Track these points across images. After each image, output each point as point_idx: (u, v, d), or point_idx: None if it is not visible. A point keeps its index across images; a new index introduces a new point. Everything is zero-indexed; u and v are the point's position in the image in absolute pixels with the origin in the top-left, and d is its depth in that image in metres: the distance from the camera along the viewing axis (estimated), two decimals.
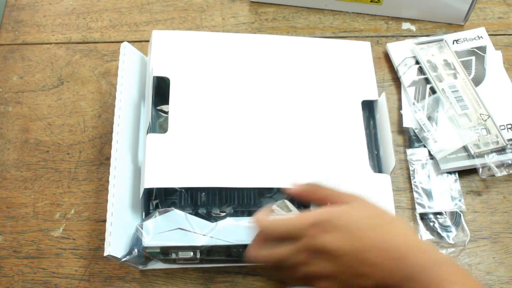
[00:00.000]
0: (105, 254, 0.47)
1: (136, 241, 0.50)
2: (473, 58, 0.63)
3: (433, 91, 0.61)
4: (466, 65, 0.63)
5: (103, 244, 0.48)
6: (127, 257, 0.49)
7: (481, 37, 0.65)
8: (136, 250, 0.49)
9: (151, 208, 0.53)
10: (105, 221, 0.49)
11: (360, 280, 0.38)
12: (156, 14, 0.69)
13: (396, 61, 0.64)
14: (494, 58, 0.63)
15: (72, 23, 0.69)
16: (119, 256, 0.48)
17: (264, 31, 0.68)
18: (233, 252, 0.50)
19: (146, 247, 0.49)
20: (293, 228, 0.40)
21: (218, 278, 0.54)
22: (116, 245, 0.48)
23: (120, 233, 0.49)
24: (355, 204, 0.40)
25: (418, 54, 0.63)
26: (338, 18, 0.68)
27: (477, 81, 0.62)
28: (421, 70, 0.63)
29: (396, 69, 0.63)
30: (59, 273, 0.55)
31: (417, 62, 0.63)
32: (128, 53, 0.58)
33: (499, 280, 0.53)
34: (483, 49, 0.64)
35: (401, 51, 0.64)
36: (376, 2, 0.67)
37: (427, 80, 0.62)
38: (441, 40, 0.64)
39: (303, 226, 0.39)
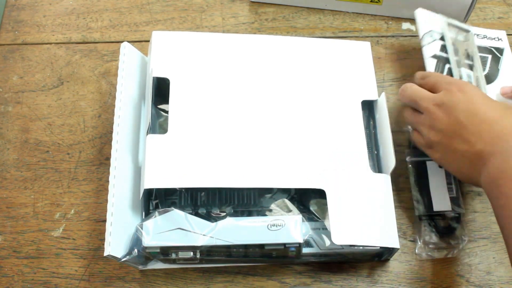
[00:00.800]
0: (105, 254, 0.47)
1: (136, 241, 0.50)
2: (490, 56, 0.64)
3: (450, 73, 0.61)
4: (482, 62, 0.63)
5: (103, 244, 0.48)
6: (127, 257, 0.49)
7: (500, 39, 0.65)
8: (136, 250, 0.49)
9: (151, 208, 0.53)
10: (105, 221, 0.49)
11: (462, 135, 0.49)
12: (156, 14, 0.69)
13: (422, 29, 0.63)
14: (509, 62, 0.64)
15: (72, 23, 0.69)
16: (119, 256, 0.48)
17: (264, 31, 0.68)
18: (233, 252, 0.50)
19: (146, 247, 0.49)
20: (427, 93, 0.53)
21: (218, 278, 0.54)
22: (116, 245, 0.48)
23: (120, 233, 0.49)
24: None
25: (446, 33, 0.62)
26: (338, 18, 0.68)
27: (488, 79, 0.62)
28: (444, 49, 0.62)
29: (420, 37, 0.62)
30: (59, 273, 0.55)
31: (442, 39, 0.63)
32: (128, 53, 0.58)
33: (499, 280, 0.53)
34: (500, 50, 0.64)
35: (428, 22, 0.63)
36: (376, 2, 0.67)
37: (447, 60, 0.61)
38: (468, 31, 0.64)
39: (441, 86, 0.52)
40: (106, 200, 0.50)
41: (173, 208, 0.51)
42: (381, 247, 0.50)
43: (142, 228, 0.49)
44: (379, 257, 0.52)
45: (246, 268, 0.55)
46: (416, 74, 0.57)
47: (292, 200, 0.53)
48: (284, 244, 0.48)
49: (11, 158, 0.61)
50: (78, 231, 0.57)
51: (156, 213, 0.50)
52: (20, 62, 0.67)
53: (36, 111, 0.64)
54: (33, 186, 0.59)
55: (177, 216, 0.50)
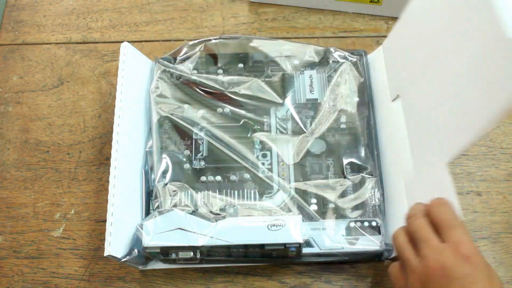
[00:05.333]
0: (105, 254, 0.47)
1: (136, 241, 0.50)
2: None
3: None
4: None
5: (103, 244, 0.48)
6: (127, 257, 0.49)
7: None
8: (136, 250, 0.49)
9: (151, 208, 0.53)
10: (105, 221, 0.49)
11: None
12: (156, 14, 0.69)
13: None
14: None
15: (72, 23, 0.69)
16: (119, 256, 0.48)
17: (264, 31, 0.68)
18: (233, 252, 0.50)
19: (146, 247, 0.49)
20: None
21: (218, 278, 0.54)
22: (116, 245, 0.48)
23: (120, 233, 0.49)
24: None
25: None
26: (338, 18, 0.68)
27: None
28: None
29: None
30: (59, 273, 0.55)
31: None
32: (128, 53, 0.58)
33: None
34: None
35: None
36: (376, 2, 0.67)
37: None
38: None
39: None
40: (106, 200, 0.50)
41: (173, 208, 0.51)
42: (380, 247, 0.51)
43: (142, 228, 0.49)
44: (379, 257, 0.52)
45: (246, 268, 0.55)
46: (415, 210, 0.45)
47: (292, 200, 0.54)
48: (284, 244, 0.48)
49: (11, 158, 0.61)
50: (78, 231, 0.57)
51: (156, 213, 0.50)
52: (20, 62, 0.67)
53: (36, 111, 0.63)
54: (33, 186, 0.59)
55: (177, 216, 0.50)
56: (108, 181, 0.51)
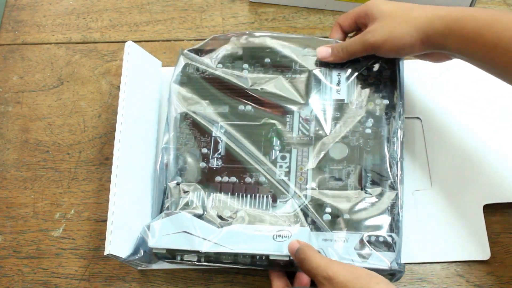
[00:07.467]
0: (106, 253, 0.47)
1: (142, 241, 0.49)
2: None
3: None
4: None
5: (103, 244, 0.48)
6: (132, 257, 0.49)
7: None
8: (142, 250, 0.49)
9: (164, 207, 0.52)
10: (105, 221, 0.49)
11: None
12: (156, 14, 0.69)
13: None
14: None
15: (72, 23, 0.69)
16: (120, 255, 0.48)
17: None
18: (239, 259, 0.49)
19: (152, 249, 0.49)
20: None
21: (218, 278, 0.54)
22: (116, 244, 0.48)
23: (120, 233, 0.49)
24: None
25: None
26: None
27: None
28: None
29: None
30: (59, 273, 0.55)
31: None
32: (132, 52, 0.57)
33: (499, 280, 0.53)
34: None
35: None
36: None
37: None
38: None
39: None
40: (106, 200, 0.50)
41: (180, 211, 0.50)
42: (391, 267, 0.47)
43: (148, 229, 0.49)
44: (392, 276, 0.48)
45: (246, 268, 0.54)
46: None
47: (305, 208, 0.51)
48: (289, 256, 0.47)
49: (11, 158, 0.61)
50: (78, 231, 0.57)
51: (164, 214, 0.50)
52: (20, 62, 0.67)
53: (36, 111, 0.63)
54: (33, 186, 0.59)
55: (184, 219, 0.50)
56: (108, 181, 0.51)
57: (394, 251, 0.48)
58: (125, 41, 0.58)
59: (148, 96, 0.59)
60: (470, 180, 0.56)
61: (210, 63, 0.58)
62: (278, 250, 0.47)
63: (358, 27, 0.56)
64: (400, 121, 0.53)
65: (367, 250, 0.48)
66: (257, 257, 0.48)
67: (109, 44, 0.67)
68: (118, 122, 0.53)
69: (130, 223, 0.51)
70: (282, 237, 0.48)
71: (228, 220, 0.50)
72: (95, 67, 0.66)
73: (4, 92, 0.65)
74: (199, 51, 0.59)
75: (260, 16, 0.68)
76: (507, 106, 0.59)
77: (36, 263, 0.56)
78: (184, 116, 0.56)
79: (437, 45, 0.48)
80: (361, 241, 0.48)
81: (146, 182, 0.55)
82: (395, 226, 0.49)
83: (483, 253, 0.54)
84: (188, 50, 0.59)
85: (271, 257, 0.48)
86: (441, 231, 0.54)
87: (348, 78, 0.56)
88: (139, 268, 0.54)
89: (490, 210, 0.57)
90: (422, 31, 0.48)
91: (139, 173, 0.54)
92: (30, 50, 0.67)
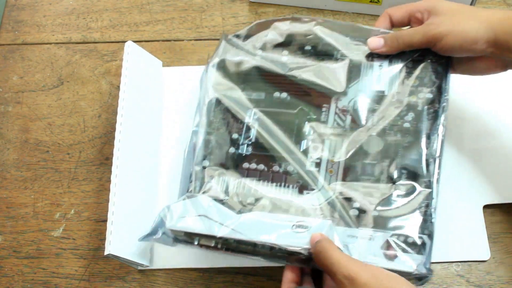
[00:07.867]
0: (106, 253, 0.47)
1: (161, 222, 0.48)
2: None
3: None
4: None
5: (103, 244, 0.48)
6: (150, 237, 0.48)
7: None
8: (160, 232, 0.48)
9: (189, 190, 0.51)
10: (105, 221, 0.49)
11: None
12: (156, 14, 0.69)
13: None
14: None
15: (72, 23, 0.69)
16: (120, 255, 0.48)
17: None
18: (258, 249, 0.47)
19: (171, 230, 0.47)
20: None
21: (218, 278, 0.54)
22: (116, 244, 0.48)
23: (120, 233, 0.49)
24: None
25: None
26: (338, 18, 0.68)
27: None
28: None
29: None
30: (59, 273, 0.55)
31: None
32: (132, 52, 0.57)
33: (499, 280, 0.53)
34: None
35: None
36: (376, 2, 0.67)
37: None
38: None
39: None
40: (106, 200, 0.50)
41: (202, 194, 0.49)
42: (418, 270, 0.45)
43: (168, 210, 0.48)
44: (419, 280, 0.45)
45: (246, 268, 0.55)
46: None
47: (332, 203, 0.48)
48: (307, 249, 0.45)
49: (11, 158, 0.61)
50: (78, 231, 0.57)
51: (185, 196, 0.49)
52: (20, 62, 0.67)
53: (36, 111, 0.63)
54: (33, 186, 0.59)
55: (204, 202, 0.48)
56: (108, 181, 0.51)
57: (423, 254, 0.45)
58: (125, 41, 0.58)
59: (148, 96, 0.59)
60: (470, 180, 0.56)
61: (251, 49, 0.56)
62: (295, 241, 0.45)
63: (408, 22, 0.53)
64: (443, 117, 0.50)
65: (394, 250, 0.45)
66: (277, 247, 0.46)
67: (109, 44, 0.67)
68: (118, 122, 0.53)
69: (130, 223, 0.51)
70: (302, 228, 0.46)
71: (248, 207, 0.49)
72: (95, 67, 0.66)
73: (4, 92, 0.65)
74: (242, 37, 0.58)
75: (260, 16, 0.68)
76: (507, 106, 0.60)
77: (36, 263, 0.56)
78: (218, 101, 0.54)
79: (504, 46, 0.47)
80: (388, 240, 0.45)
81: (146, 182, 0.55)
82: (426, 227, 0.46)
83: (483, 253, 0.54)
84: (231, 36, 0.58)
85: (289, 249, 0.45)
86: (441, 231, 0.54)
87: (390, 69, 0.53)
88: (139, 268, 0.54)
89: (490, 210, 0.57)
90: (490, 29, 0.47)
91: (139, 173, 0.54)
92: (30, 50, 0.67)
